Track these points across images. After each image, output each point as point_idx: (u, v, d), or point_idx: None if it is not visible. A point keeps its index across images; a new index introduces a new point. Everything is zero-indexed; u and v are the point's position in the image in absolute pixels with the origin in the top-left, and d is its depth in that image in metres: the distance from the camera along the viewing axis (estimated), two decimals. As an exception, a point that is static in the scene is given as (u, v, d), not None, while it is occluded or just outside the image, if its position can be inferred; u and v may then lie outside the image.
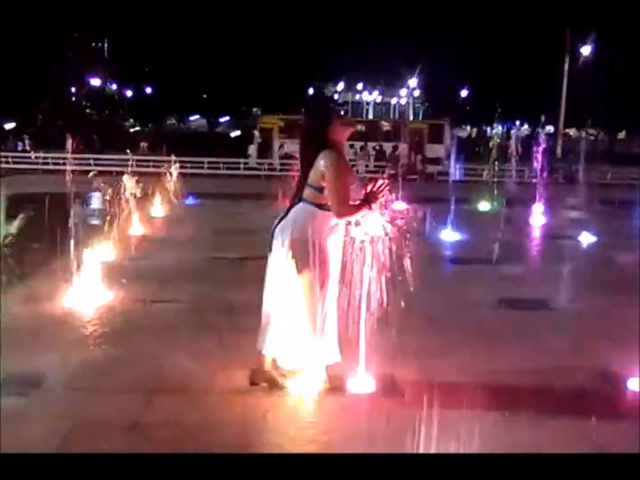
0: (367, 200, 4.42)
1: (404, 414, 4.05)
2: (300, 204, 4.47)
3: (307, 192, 4.46)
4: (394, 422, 4.09)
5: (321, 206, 4.40)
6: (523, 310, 6.86)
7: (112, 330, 5.92)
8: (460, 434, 3.40)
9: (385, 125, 35.39)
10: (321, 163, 4.38)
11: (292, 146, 27.53)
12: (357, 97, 60.25)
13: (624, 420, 4.26)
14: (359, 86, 59.32)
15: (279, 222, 4.52)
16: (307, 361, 4.52)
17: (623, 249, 10.26)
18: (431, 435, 3.41)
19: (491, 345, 5.59)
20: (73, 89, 49.07)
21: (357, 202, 4.44)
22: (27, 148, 30.74)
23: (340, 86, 58.25)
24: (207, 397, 4.52)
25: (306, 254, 4.36)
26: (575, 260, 9.62)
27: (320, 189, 4.40)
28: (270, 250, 4.55)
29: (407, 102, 56.60)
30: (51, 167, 26.13)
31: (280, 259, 4.45)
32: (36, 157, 28.00)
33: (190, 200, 15.63)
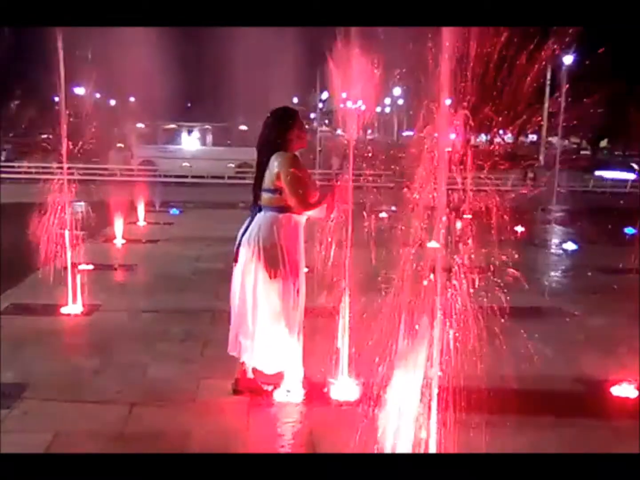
0: (331, 202, 4.49)
1: (386, 419, 4.04)
2: (262, 212, 4.48)
3: (265, 197, 4.47)
4: (377, 428, 4.09)
5: (282, 209, 4.42)
6: (503, 317, 6.88)
7: (95, 340, 5.89)
8: (443, 439, 3.41)
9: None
10: (275, 164, 4.40)
11: (150, 151, 27.47)
12: (341, 106, 60.33)
13: (606, 426, 4.30)
14: (343, 95, 59.43)
15: (244, 232, 4.52)
16: (286, 366, 4.55)
17: (607, 256, 10.34)
18: (414, 440, 3.42)
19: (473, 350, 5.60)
20: (56, 98, 48.71)
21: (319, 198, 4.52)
22: (10, 157, 30.50)
23: (325, 95, 58.36)
24: (191, 407, 4.51)
25: (278, 261, 4.39)
26: (558, 268, 9.68)
27: (277, 191, 4.41)
28: (235, 260, 4.55)
29: (392, 111, 56.81)
30: (34, 176, 26.00)
31: (250, 268, 4.45)
32: (19, 167, 27.79)
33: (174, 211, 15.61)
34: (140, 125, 31.41)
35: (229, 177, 26.89)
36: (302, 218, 4.52)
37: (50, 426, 4.15)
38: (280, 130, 4.50)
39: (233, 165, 28.84)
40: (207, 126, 31.42)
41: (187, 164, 26.55)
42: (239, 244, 4.53)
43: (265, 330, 4.49)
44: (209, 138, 31.05)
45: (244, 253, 4.48)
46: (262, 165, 4.49)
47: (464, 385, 4.20)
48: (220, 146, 29.84)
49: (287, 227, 4.43)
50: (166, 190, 16.97)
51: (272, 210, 4.44)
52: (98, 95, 32.36)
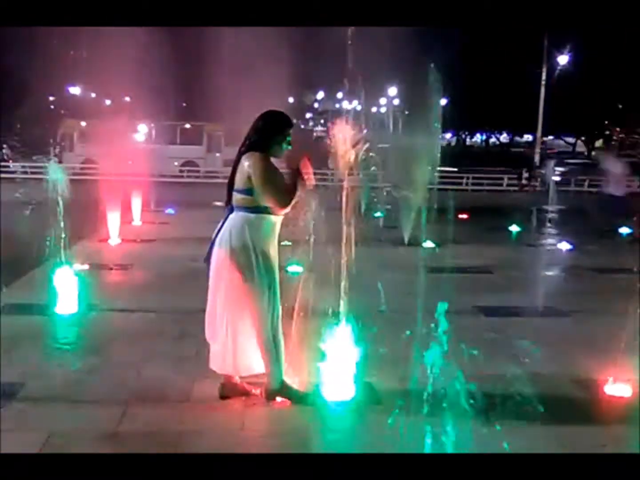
0: (299, 177, 4.39)
1: (382, 420, 4.04)
2: (234, 213, 4.40)
3: (237, 198, 4.39)
4: (372, 428, 4.09)
5: (254, 210, 4.34)
6: (498, 317, 6.90)
7: (90, 339, 5.87)
8: (438, 440, 3.40)
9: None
10: (245, 164, 4.32)
11: (92, 149, 26.74)
12: (337, 105, 60.41)
13: (600, 425, 4.31)
14: (339, 95, 59.54)
15: (217, 232, 4.46)
16: (268, 368, 4.49)
17: (599, 257, 10.37)
18: (409, 441, 3.42)
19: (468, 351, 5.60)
20: (52, 98, 48.61)
21: (290, 183, 4.40)
22: (6, 157, 30.38)
23: (320, 95, 58.37)
24: (185, 407, 4.50)
25: (250, 262, 4.32)
26: (550, 268, 9.70)
27: (248, 192, 4.33)
28: (207, 260, 4.50)
29: (387, 110, 56.81)
30: (29, 175, 25.93)
31: (223, 270, 4.40)
32: (14, 166, 27.72)
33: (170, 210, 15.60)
34: (82, 123, 30.80)
35: (173, 176, 26.62)
36: (277, 218, 4.44)
37: (44, 426, 4.14)
38: (264, 131, 4.41)
39: (177, 164, 28.60)
40: (151, 124, 31.00)
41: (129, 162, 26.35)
42: (212, 244, 4.47)
43: (239, 334, 4.45)
44: (153, 136, 30.58)
45: (216, 254, 4.42)
46: (235, 164, 4.43)
47: (458, 385, 4.20)
48: (164, 144, 29.45)
49: (259, 228, 4.35)
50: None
51: (244, 211, 4.36)
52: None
